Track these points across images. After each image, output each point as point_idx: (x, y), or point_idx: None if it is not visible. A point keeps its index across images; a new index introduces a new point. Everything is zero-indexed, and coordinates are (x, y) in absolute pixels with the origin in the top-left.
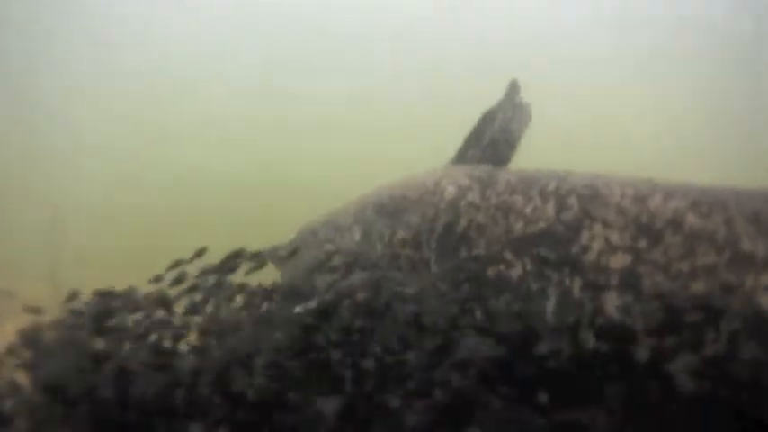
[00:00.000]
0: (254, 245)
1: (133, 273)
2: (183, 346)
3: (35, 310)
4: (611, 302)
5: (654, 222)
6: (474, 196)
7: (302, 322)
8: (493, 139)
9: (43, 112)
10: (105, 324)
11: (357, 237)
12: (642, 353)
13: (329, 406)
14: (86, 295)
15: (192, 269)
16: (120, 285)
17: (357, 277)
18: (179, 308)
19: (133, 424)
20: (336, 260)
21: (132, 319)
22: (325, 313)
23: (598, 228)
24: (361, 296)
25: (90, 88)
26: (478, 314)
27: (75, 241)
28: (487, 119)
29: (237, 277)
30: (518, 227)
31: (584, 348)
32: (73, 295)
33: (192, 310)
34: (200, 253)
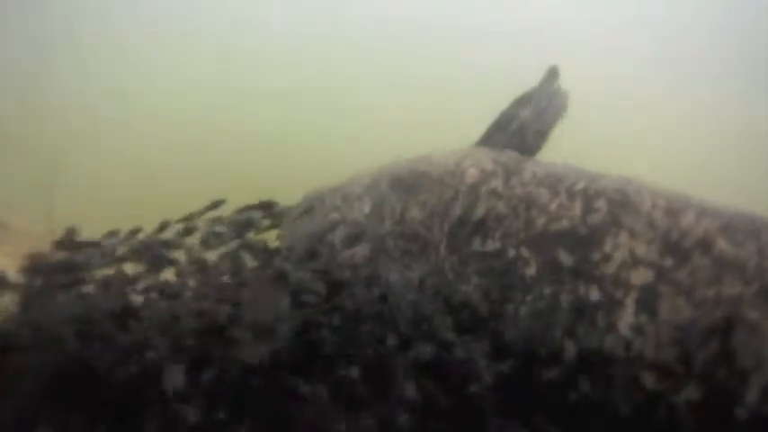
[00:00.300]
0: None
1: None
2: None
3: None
4: (625, 320)
5: (683, 240)
6: (497, 183)
7: (295, 293)
8: (523, 126)
9: None
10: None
11: (366, 208)
12: (648, 379)
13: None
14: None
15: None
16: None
17: (359, 250)
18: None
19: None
20: (341, 231)
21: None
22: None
23: (624, 237)
24: (360, 272)
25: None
26: (483, 312)
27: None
28: (519, 104)
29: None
30: (539, 223)
31: (589, 364)
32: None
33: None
34: (215, 205)
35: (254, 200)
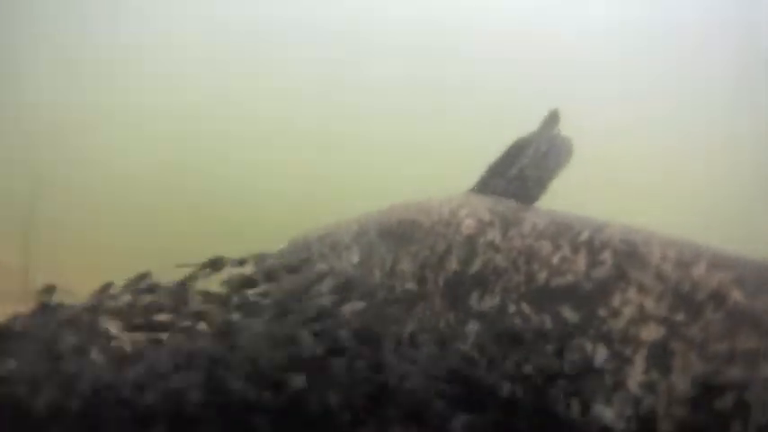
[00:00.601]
0: None
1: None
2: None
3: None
4: (635, 378)
5: (695, 294)
6: (494, 235)
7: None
8: (522, 172)
9: None
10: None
11: (355, 259)
12: None
13: None
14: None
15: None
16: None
17: (349, 308)
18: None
19: None
20: (328, 282)
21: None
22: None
23: (632, 292)
24: (352, 329)
25: None
26: (480, 371)
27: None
28: (517, 148)
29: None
30: (541, 277)
31: (597, 425)
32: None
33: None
34: (214, 264)
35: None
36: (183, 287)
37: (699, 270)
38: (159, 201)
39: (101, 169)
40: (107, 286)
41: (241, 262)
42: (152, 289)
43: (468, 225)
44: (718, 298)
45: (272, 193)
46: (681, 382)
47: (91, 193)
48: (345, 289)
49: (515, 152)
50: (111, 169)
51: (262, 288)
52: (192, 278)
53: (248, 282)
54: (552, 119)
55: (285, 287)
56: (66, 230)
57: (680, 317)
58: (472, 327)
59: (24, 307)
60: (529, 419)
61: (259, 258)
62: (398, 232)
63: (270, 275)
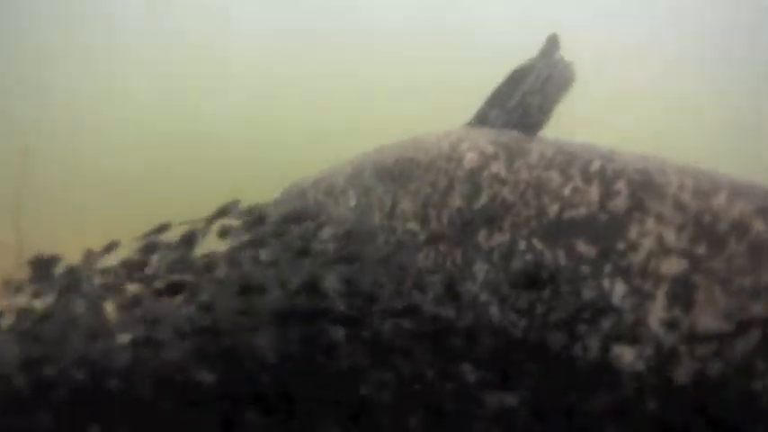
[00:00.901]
0: None
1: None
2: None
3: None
4: (656, 315)
5: (717, 224)
6: (499, 167)
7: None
8: (523, 100)
9: None
10: None
11: (351, 202)
12: (682, 378)
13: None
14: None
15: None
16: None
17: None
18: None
19: None
20: (327, 232)
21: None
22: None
23: (651, 223)
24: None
25: None
26: (494, 314)
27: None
28: (517, 76)
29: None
30: (552, 210)
31: (618, 366)
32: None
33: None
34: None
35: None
36: (192, 239)
37: (719, 200)
38: (155, 166)
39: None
40: (112, 246)
41: (243, 212)
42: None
43: (471, 159)
44: (740, 229)
45: (271, 149)
46: (704, 319)
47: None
48: (345, 237)
49: (515, 81)
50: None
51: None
52: (202, 229)
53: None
54: (552, 44)
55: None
56: (60, 203)
57: (702, 249)
58: (480, 266)
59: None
60: (544, 362)
61: (254, 209)
62: (396, 171)
63: (262, 224)
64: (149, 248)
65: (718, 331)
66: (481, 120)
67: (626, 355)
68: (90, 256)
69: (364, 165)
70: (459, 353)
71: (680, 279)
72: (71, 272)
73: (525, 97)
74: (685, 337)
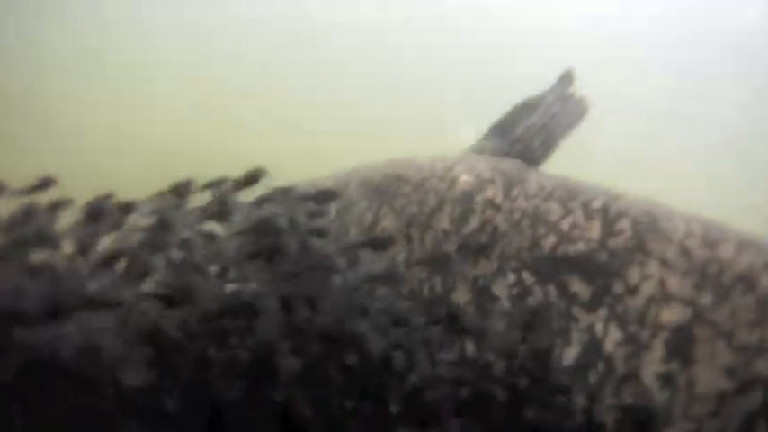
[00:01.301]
0: None
1: None
2: None
3: None
4: (651, 368)
5: (723, 275)
6: (495, 192)
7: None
8: (526, 134)
9: None
10: None
11: (330, 215)
12: None
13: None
14: None
15: None
16: None
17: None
18: None
19: None
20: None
21: None
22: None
23: (653, 266)
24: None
25: None
26: (469, 349)
27: None
28: (523, 109)
29: None
30: (548, 243)
31: (602, 424)
32: None
33: None
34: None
35: None
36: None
37: (726, 251)
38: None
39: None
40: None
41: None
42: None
43: (466, 181)
44: (747, 282)
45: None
46: (704, 375)
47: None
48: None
49: (520, 113)
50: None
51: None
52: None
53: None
54: (566, 78)
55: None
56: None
57: (706, 299)
58: (461, 294)
59: None
60: (519, 413)
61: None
62: (383, 187)
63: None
64: None
65: (718, 389)
66: (480, 149)
67: (612, 411)
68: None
69: (351, 178)
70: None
71: (680, 329)
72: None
73: (529, 131)
74: (682, 393)
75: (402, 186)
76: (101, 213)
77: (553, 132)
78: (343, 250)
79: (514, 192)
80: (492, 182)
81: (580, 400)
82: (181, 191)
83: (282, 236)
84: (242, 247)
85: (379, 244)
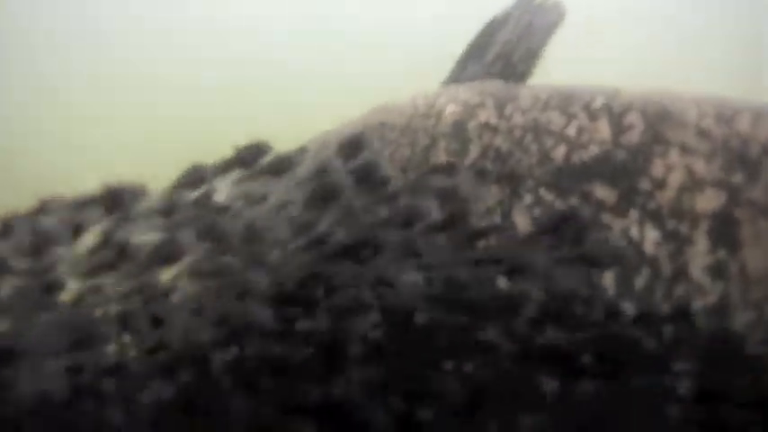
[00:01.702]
0: None
1: None
2: None
3: None
4: (699, 262)
5: (747, 149)
6: (488, 115)
7: None
8: (502, 51)
9: None
10: None
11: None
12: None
13: None
14: None
15: None
16: None
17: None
18: None
19: None
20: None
21: None
22: None
23: (675, 155)
24: None
25: None
26: (501, 285)
27: None
28: (493, 26)
29: None
30: (559, 153)
31: (660, 338)
32: None
33: None
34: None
35: None
36: None
37: (744, 124)
38: None
39: None
40: None
41: None
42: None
43: (453, 111)
44: None
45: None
46: (755, 258)
47: None
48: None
49: (490, 33)
50: None
51: None
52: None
53: None
54: None
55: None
56: None
57: (738, 178)
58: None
59: None
60: (564, 328)
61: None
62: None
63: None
64: None
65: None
66: (456, 77)
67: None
68: None
69: (329, 139)
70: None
71: (720, 215)
72: None
73: (504, 47)
74: (735, 282)
75: (387, 133)
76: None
77: (531, 43)
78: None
79: (508, 109)
80: (481, 105)
81: (630, 311)
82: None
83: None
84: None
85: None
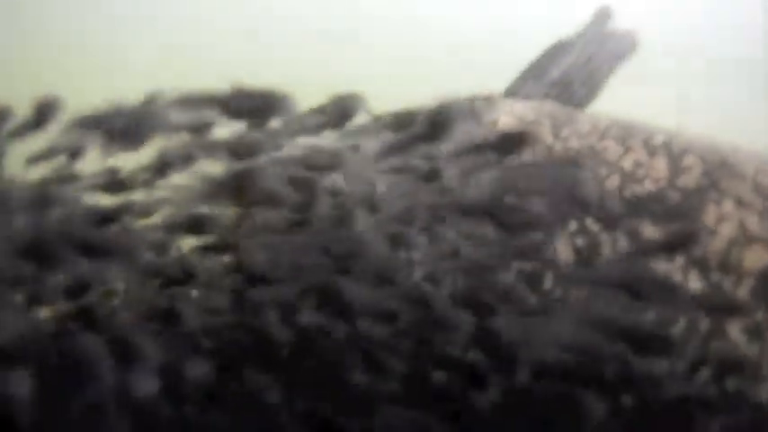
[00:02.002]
0: None
1: None
2: None
3: None
4: (738, 320)
5: None
6: (544, 134)
7: None
8: (564, 75)
9: None
10: None
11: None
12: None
13: None
14: None
15: None
16: None
17: None
18: None
19: None
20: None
21: None
22: None
23: (729, 205)
24: None
25: None
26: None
27: None
28: (557, 49)
29: None
30: (611, 184)
31: (695, 389)
32: None
33: None
34: None
35: None
36: None
37: None
38: None
39: None
40: None
41: None
42: None
43: (506, 123)
44: None
45: None
46: None
47: None
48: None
49: (554, 54)
50: None
51: None
52: None
53: None
54: (601, 15)
55: None
56: None
57: None
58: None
59: None
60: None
61: None
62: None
63: None
64: None
65: None
66: (513, 92)
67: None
68: None
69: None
70: None
71: (766, 275)
72: None
73: (566, 71)
74: None
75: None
76: None
77: (595, 72)
78: None
79: (564, 132)
80: (537, 123)
81: (662, 363)
82: None
83: None
84: None
85: None
